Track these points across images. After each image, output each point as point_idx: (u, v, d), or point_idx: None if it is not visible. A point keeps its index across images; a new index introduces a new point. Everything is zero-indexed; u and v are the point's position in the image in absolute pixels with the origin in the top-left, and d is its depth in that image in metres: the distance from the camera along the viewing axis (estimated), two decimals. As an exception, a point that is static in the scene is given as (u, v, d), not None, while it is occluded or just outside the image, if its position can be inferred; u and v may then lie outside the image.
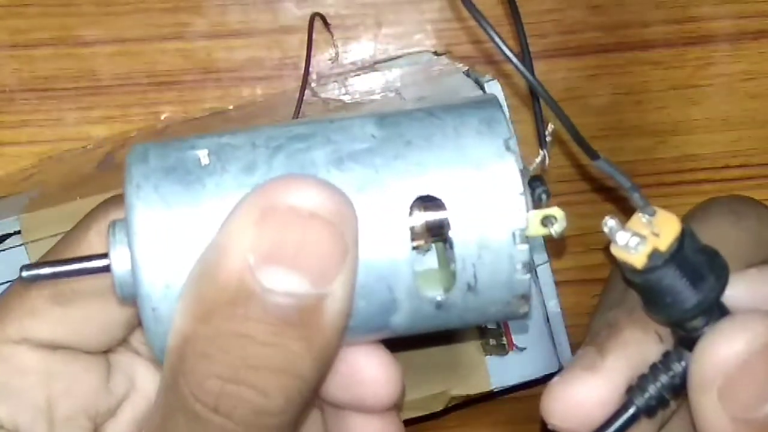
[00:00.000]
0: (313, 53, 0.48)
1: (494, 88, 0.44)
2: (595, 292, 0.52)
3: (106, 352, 0.31)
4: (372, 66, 0.50)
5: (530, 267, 0.26)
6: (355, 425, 0.30)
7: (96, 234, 0.29)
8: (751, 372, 0.25)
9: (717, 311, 0.27)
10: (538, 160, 0.30)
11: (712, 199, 0.33)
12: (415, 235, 0.26)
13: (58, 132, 0.50)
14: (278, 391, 0.24)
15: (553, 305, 0.45)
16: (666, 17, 0.50)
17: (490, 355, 0.46)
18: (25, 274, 0.25)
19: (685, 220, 0.31)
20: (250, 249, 0.23)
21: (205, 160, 0.26)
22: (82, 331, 0.30)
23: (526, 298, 0.27)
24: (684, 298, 0.26)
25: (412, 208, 0.26)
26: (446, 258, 0.28)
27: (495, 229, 0.26)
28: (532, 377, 0.46)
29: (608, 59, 0.50)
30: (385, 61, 0.50)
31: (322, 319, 0.24)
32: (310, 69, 0.47)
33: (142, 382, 0.32)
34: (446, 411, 0.47)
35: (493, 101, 0.28)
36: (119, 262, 0.25)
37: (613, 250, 0.27)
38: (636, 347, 0.28)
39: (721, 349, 0.26)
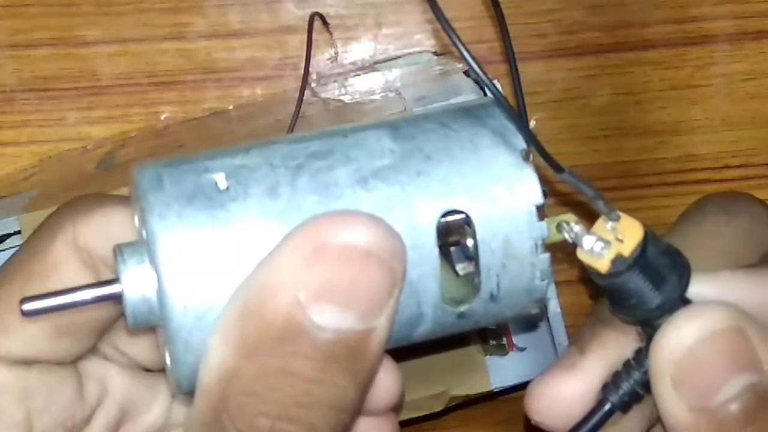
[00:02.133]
0: (313, 53, 0.48)
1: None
2: (595, 292, 0.52)
3: (76, 360, 0.31)
4: (372, 66, 0.50)
5: (549, 274, 0.27)
6: (355, 425, 0.30)
7: (64, 244, 0.29)
8: (701, 359, 0.26)
9: (682, 308, 0.27)
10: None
11: (706, 197, 0.33)
12: (444, 244, 0.27)
13: (58, 132, 0.50)
14: (326, 424, 0.24)
15: (553, 305, 0.45)
16: (666, 17, 0.50)
17: (490, 355, 0.46)
18: (26, 308, 0.25)
19: (680, 218, 0.31)
20: (300, 286, 0.23)
21: (223, 184, 0.25)
22: (55, 343, 0.29)
23: (542, 301, 0.28)
24: (647, 299, 0.27)
25: (439, 224, 0.26)
26: (462, 262, 0.28)
27: (518, 240, 0.26)
28: (532, 377, 0.46)
29: (608, 59, 0.50)
30: (385, 61, 0.50)
31: (368, 352, 0.24)
32: (310, 69, 0.47)
33: (114, 387, 0.31)
34: (446, 411, 0.47)
35: (496, 110, 0.28)
36: (134, 289, 0.25)
37: (579, 254, 0.28)
38: (614, 346, 0.29)
39: (671, 338, 0.26)
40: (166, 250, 0.24)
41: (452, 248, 0.28)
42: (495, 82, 0.43)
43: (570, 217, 0.27)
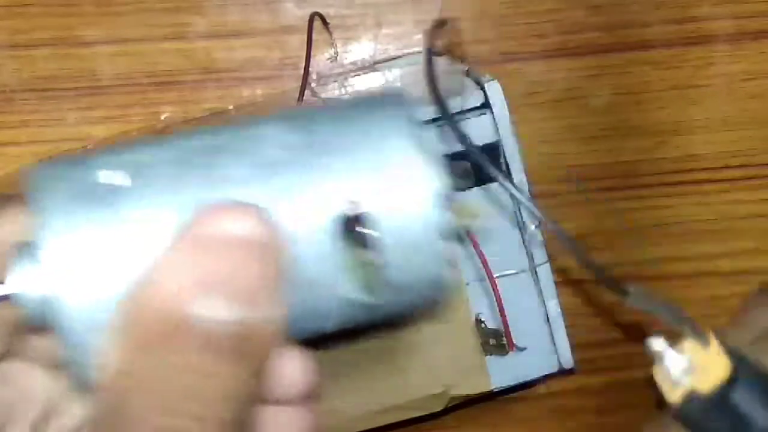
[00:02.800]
0: (313, 53, 0.48)
1: (494, 88, 0.44)
2: (595, 292, 0.52)
3: None
4: (372, 66, 0.50)
5: (453, 260, 0.27)
6: (266, 415, 0.30)
7: None
8: None
9: None
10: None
11: (761, 291, 0.32)
12: (345, 238, 0.26)
13: (58, 132, 0.50)
14: (216, 416, 0.24)
15: (553, 305, 0.45)
16: (666, 17, 0.50)
17: (490, 355, 0.46)
18: None
19: (735, 313, 0.29)
20: (182, 279, 0.23)
21: (114, 182, 0.25)
22: None
23: (447, 289, 0.27)
24: None
25: (337, 216, 0.26)
26: (362, 253, 0.28)
27: (420, 229, 0.26)
28: (532, 377, 0.46)
29: (608, 59, 0.50)
30: (385, 61, 0.50)
31: (258, 343, 0.24)
32: (310, 69, 0.47)
33: (35, 387, 0.31)
34: (446, 411, 0.47)
35: (399, 98, 0.28)
36: (27, 289, 0.24)
37: (655, 373, 0.24)
38: None
39: None
40: (54, 250, 0.24)
41: (355, 240, 0.27)
42: (495, 82, 0.43)
43: (470, 202, 0.27)
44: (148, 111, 0.50)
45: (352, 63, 0.50)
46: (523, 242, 0.45)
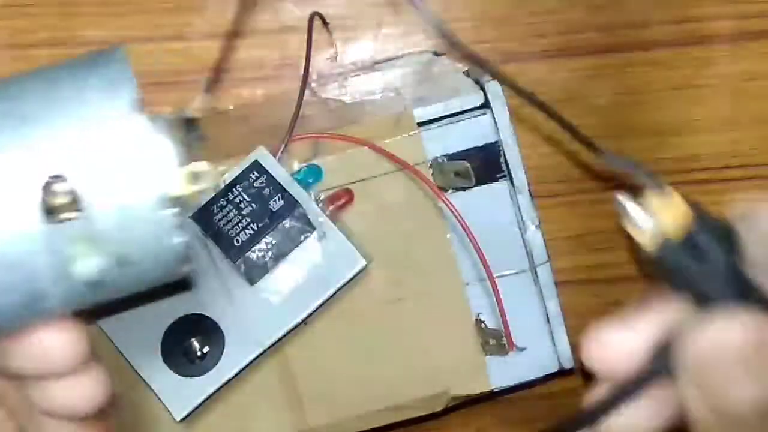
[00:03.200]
0: (313, 53, 0.48)
1: (494, 88, 0.44)
2: (595, 292, 0.52)
3: None
4: (372, 66, 0.50)
5: (182, 229, 0.25)
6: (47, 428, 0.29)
7: None
8: (718, 362, 0.27)
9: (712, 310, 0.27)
10: (195, 104, 0.29)
11: None
12: (51, 215, 0.24)
13: (58, 132, 0.50)
14: None
15: (553, 305, 0.45)
16: (666, 17, 0.50)
17: (490, 355, 0.46)
18: None
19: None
20: None
21: None
22: None
23: (184, 260, 0.26)
24: (696, 282, 0.27)
25: (43, 187, 0.24)
26: (73, 228, 0.26)
27: (136, 196, 0.24)
28: (532, 377, 0.46)
29: (608, 59, 0.50)
30: (385, 61, 0.50)
31: None
32: (310, 69, 0.47)
33: None
34: (446, 411, 0.47)
35: (118, 59, 0.26)
36: None
37: (624, 223, 0.27)
38: (667, 310, 0.29)
39: (696, 337, 0.27)
40: None
41: (68, 215, 0.25)
42: (495, 82, 0.43)
43: (202, 165, 0.26)
44: (148, 111, 0.50)
45: (352, 63, 0.50)
46: (523, 242, 0.45)
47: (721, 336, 0.27)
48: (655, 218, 0.27)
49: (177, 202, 0.25)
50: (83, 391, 0.28)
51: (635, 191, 0.28)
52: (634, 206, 0.27)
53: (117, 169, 0.24)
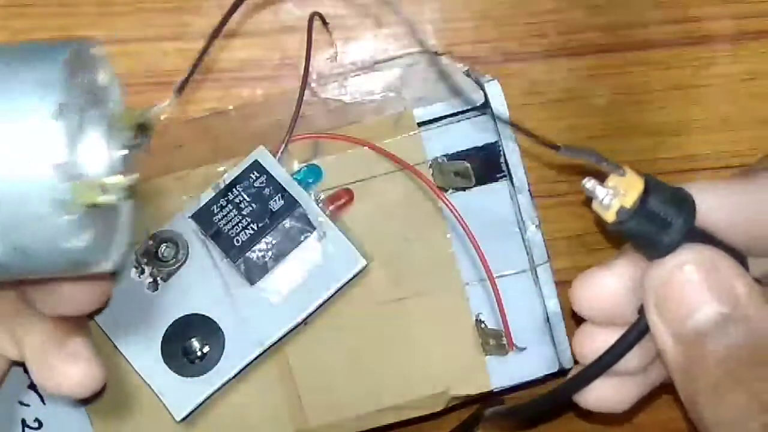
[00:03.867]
0: (313, 53, 0.48)
1: (494, 88, 0.44)
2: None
3: None
4: (372, 66, 0.50)
5: (84, 234, 0.25)
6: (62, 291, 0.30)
7: None
8: (676, 288, 0.31)
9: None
10: (157, 108, 0.29)
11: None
12: None
13: (58, 132, 0.50)
14: None
15: (553, 305, 0.45)
16: (666, 17, 0.50)
17: (490, 355, 0.46)
18: None
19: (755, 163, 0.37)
20: None
21: None
22: None
23: (85, 263, 0.26)
24: (656, 241, 0.31)
25: None
26: None
27: (35, 200, 0.24)
28: (532, 377, 0.46)
29: (608, 59, 0.50)
30: (385, 61, 0.50)
31: None
32: (310, 69, 0.47)
33: None
34: (446, 411, 0.47)
35: (58, 59, 0.25)
36: None
37: (593, 205, 0.31)
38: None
39: (655, 270, 0.31)
40: None
41: None
42: (495, 82, 0.43)
43: (116, 179, 0.26)
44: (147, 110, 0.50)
45: (352, 63, 0.50)
46: (523, 242, 0.45)
47: (677, 261, 0.31)
48: (614, 195, 0.31)
49: (76, 207, 0.25)
50: (91, 293, 0.30)
51: (602, 177, 0.32)
52: (598, 187, 0.31)
53: (16, 169, 0.24)
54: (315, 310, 0.44)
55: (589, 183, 0.31)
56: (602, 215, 0.31)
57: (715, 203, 0.32)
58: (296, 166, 0.44)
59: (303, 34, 0.48)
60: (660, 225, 0.31)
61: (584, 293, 0.34)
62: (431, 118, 0.45)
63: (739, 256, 0.32)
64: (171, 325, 0.44)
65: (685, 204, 0.31)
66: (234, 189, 0.43)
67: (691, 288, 0.30)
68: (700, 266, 0.30)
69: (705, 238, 0.32)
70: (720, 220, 0.32)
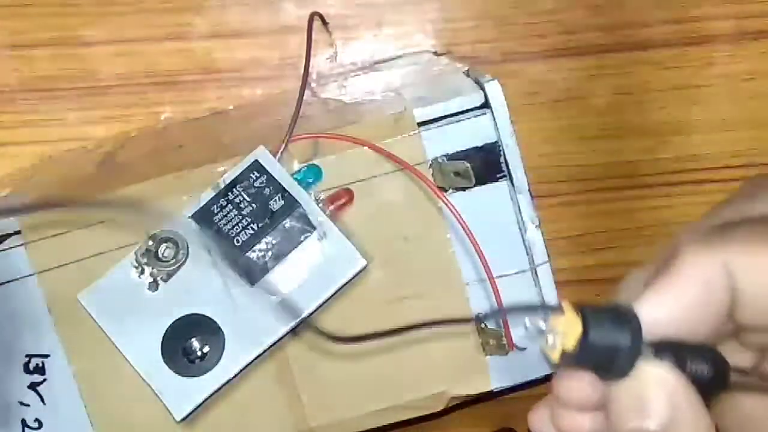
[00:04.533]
0: (313, 53, 0.48)
1: (494, 88, 0.44)
2: (595, 292, 0.52)
3: None
4: (372, 66, 0.50)
5: None
6: None
7: None
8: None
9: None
10: None
11: (761, 175, 0.35)
12: None
13: (58, 132, 0.50)
14: None
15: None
16: (666, 17, 0.50)
17: (490, 355, 0.46)
18: None
19: (735, 193, 0.34)
20: None
21: None
22: None
23: None
24: (607, 369, 0.31)
25: None
26: None
27: None
28: (532, 377, 0.46)
29: (609, 59, 0.50)
30: (385, 61, 0.50)
31: None
32: (310, 69, 0.47)
33: None
34: (446, 411, 0.47)
35: None
36: None
37: (539, 344, 0.31)
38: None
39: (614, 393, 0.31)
40: None
41: None
42: (495, 82, 0.43)
43: None
44: (148, 111, 0.50)
45: (352, 63, 0.50)
46: (523, 242, 0.45)
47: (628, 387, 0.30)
48: (555, 335, 0.30)
49: None
50: None
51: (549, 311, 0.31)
52: (539, 329, 0.31)
53: None
54: (315, 310, 0.44)
55: (530, 325, 0.31)
56: (548, 356, 0.31)
57: (660, 313, 0.31)
58: (296, 166, 0.44)
59: (303, 34, 0.48)
60: (608, 353, 0.30)
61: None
62: (431, 118, 0.44)
63: (706, 350, 0.31)
64: (171, 325, 0.44)
65: (628, 327, 0.31)
66: (234, 189, 0.43)
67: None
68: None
69: (660, 348, 0.31)
70: (671, 325, 0.31)
